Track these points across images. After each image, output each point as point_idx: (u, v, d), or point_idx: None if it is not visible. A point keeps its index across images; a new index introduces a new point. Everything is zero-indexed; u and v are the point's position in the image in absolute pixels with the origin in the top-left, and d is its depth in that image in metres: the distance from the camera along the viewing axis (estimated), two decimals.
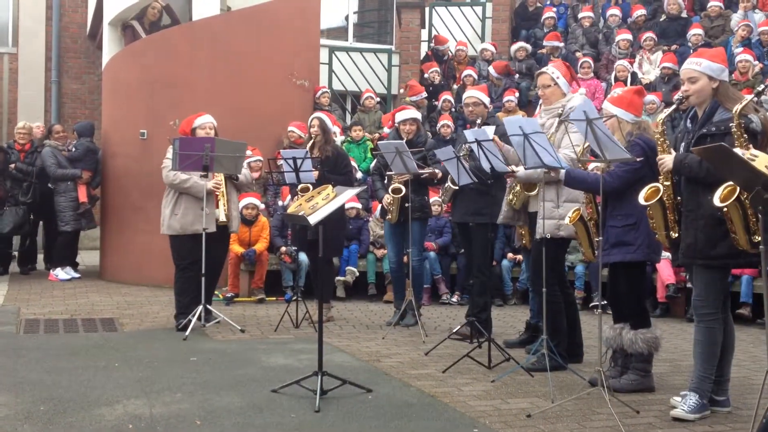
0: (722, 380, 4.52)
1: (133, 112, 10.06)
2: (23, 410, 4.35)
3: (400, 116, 7.45)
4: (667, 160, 4.36)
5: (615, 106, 5.01)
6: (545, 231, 5.38)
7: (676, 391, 4.79)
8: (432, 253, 9.06)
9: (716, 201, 3.95)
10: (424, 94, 11.83)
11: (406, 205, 7.03)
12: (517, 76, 12.55)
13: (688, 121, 4.51)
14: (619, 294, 5.10)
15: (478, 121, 6.49)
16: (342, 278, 9.08)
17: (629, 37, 12.25)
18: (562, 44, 12.79)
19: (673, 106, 4.60)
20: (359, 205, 9.35)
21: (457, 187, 6.67)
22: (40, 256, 11.24)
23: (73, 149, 10.39)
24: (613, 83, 11.26)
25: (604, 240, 4.86)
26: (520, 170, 5.53)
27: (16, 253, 10.91)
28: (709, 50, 4.61)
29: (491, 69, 12.37)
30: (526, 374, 5.36)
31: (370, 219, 9.50)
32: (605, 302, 5.50)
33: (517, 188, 5.86)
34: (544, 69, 5.92)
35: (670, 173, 4.41)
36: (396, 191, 7.15)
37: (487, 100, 6.76)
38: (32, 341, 6.37)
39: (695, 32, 11.56)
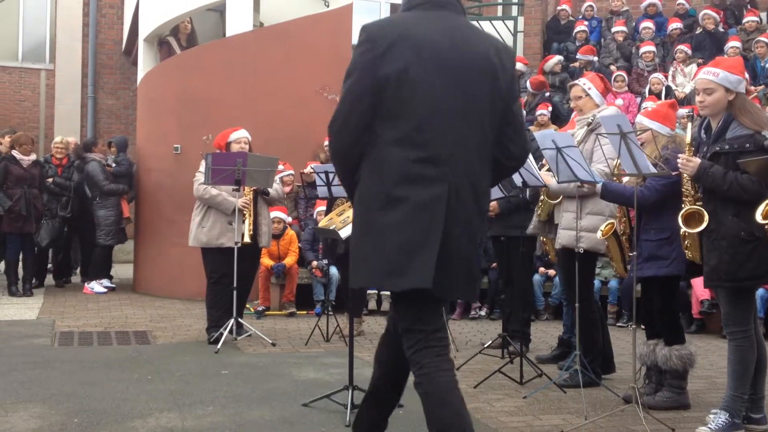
0: (756, 398, 4.43)
1: (167, 127, 10.18)
2: (57, 422, 4.39)
3: None
4: (691, 164, 4.20)
5: (651, 120, 4.97)
6: (565, 242, 5.34)
7: (711, 408, 4.70)
8: None
9: (758, 218, 3.87)
10: None
11: None
12: (548, 93, 12.50)
13: (702, 131, 4.44)
14: (653, 310, 5.03)
15: None
16: (380, 293, 9.13)
17: (653, 49, 12.16)
18: (596, 58, 12.72)
19: (690, 126, 4.48)
20: None
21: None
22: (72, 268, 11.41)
23: (114, 164, 10.54)
24: (646, 96, 11.18)
25: (637, 254, 4.81)
26: (553, 183, 5.49)
27: (51, 266, 11.06)
28: (726, 60, 4.53)
29: (528, 84, 12.32)
30: (558, 390, 5.30)
31: None
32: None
33: (542, 197, 5.82)
34: (576, 81, 5.89)
35: (692, 180, 4.29)
36: None
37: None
38: (66, 353, 6.45)
39: (733, 45, 11.43)
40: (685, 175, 4.31)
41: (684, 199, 4.41)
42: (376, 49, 2.96)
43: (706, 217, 4.20)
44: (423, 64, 2.94)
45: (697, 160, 4.22)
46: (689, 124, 4.41)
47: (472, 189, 3.01)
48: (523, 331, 6.59)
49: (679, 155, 4.33)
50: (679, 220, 4.33)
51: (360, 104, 2.98)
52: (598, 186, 4.90)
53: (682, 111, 9.90)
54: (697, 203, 4.32)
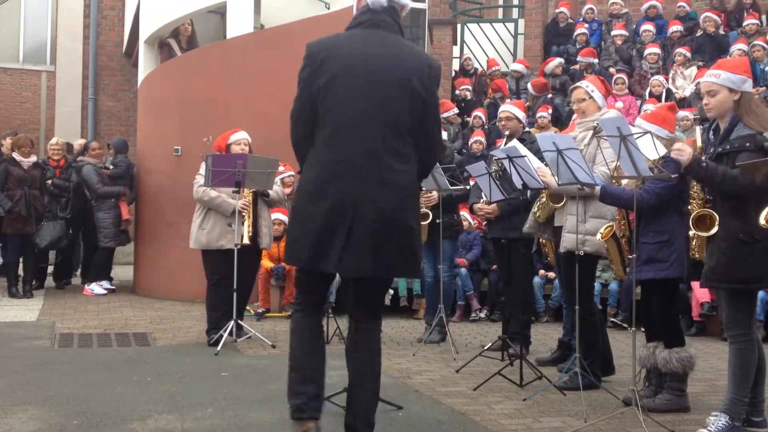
0: (756, 401, 4.42)
1: (167, 128, 10.19)
2: (56, 424, 4.39)
3: None
4: (686, 152, 4.15)
5: (649, 123, 4.96)
6: (570, 246, 5.34)
7: (711, 411, 4.69)
8: (463, 270, 9.03)
9: (762, 221, 3.86)
10: (455, 111, 11.81)
11: (438, 221, 7.04)
12: (549, 95, 12.51)
13: (711, 132, 4.44)
14: (653, 312, 5.03)
15: (506, 133, 6.62)
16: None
17: (657, 51, 12.16)
18: (596, 60, 12.72)
19: (699, 129, 4.48)
20: None
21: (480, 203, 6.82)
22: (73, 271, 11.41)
23: (112, 166, 10.54)
24: (647, 98, 11.18)
25: (637, 256, 4.81)
26: (553, 183, 5.48)
27: (51, 268, 11.06)
28: (729, 61, 4.51)
29: (529, 87, 12.31)
30: (558, 393, 5.30)
31: None
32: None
33: (544, 199, 5.81)
34: (578, 83, 5.88)
35: (685, 170, 4.25)
36: (423, 217, 7.14)
37: (521, 115, 6.74)
38: (66, 355, 6.45)
39: (739, 48, 11.42)
40: (680, 158, 4.27)
41: (692, 201, 4.41)
42: (312, 64, 3.53)
43: (717, 220, 4.19)
44: (346, 75, 3.45)
45: (691, 149, 4.19)
46: (698, 128, 4.41)
47: (380, 186, 3.43)
48: (523, 334, 6.59)
49: (676, 144, 4.31)
50: (690, 222, 4.32)
51: (304, 112, 3.60)
52: (597, 188, 4.90)
53: (682, 114, 9.92)
54: (706, 205, 4.32)
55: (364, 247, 3.44)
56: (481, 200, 6.86)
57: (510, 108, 6.77)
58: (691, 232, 4.37)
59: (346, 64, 3.47)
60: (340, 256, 3.45)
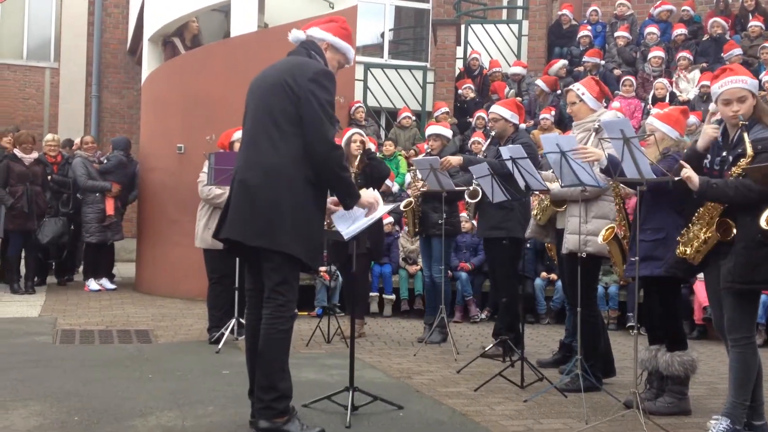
0: (756, 405, 4.42)
1: (170, 126, 10.19)
2: (58, 420, 4.39)
3: (427, 132, 7.58)
4: (693, 178, 4.17)
5: (662, 122, 5.00)
6: (572, 247, 5.34)
7: (712, 414, 4.68)
8: (463, 274, 9.03)
9: (763, 223, 3.86)
10: (445, 109, 11.80)
11: (440, 221, 7.05)
12: (559, 92, 12.49)
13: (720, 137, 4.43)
14: (654, 314, 5.02)
15: (492, 133, 6.71)
16: (381, 296, 9.17)
17: (661, 54, 12.14)
18: (603, 61, 12.71)
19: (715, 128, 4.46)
20: (391, 220, 9.35)
21: (473, 201, 6.83)
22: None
23: (105, 161, 10.52)
24: (650, 101, 11.16)
25: (632, 254, 4.79)
26: (555, 187, 5.49)
27: (54, 264, 11.06)
28: (740, 66, 4.57)
29: (540, 83, 12.25)
30: (559, 395, 5.30)
31: (401, 234, 9.50)
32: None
33: (545, 203, 5.81)
34: (570, 86, 5.90)
35: (697, 195, 4.25)
36: (406, 205, 7.28)
37: (508, 114, 6.61)
38: (68, 352, 6.45)
39: (735, 53, 11.43)
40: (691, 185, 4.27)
41: (709, 204, 4.38)
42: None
43: (734, 231, 4.19)
44: (250, 89, 4.31)
45: (697, 178, 4.16)
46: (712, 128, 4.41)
47: (261, 169, 4.03)
48: (508, 336, 6.45)
49: (683, 171, 4.27)
50: (713, 226, 4.29)
51: None
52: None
53: (692, 119, 9.89)
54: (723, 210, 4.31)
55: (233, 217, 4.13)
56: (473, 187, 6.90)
57: (496, 109, 6.73)
58: (702, 236, 4.31)
59: (254, 81, 4.35)
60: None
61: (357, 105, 11.51)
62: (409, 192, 7.34)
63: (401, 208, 7.42)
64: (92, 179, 10.25)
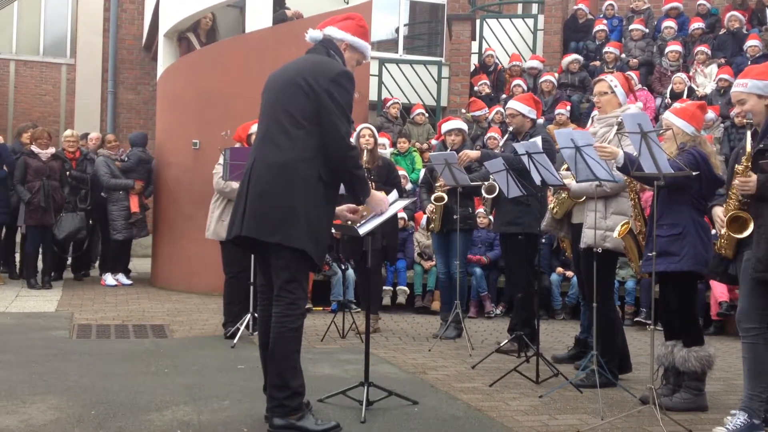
0: None
1: (186, 122, 10.22)
2: (74, 414, 4.42)
3: (445, 127, 7.48)
4: (750, 183, 4.15)
5: (677, 117, 4.97)
6: (590, 242, 5.32)
7: (729, 410, 4.66)
8: (478, 270, 9.01)
9: None
10: (486, 110, 11.74)
11: (455, 217, 7.03)
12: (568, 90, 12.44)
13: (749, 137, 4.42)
14: (671, 310, 5.00)
15: (510, 128, 6.69)
16: (395, 288, 9.15)
17: (679, 48, 12.07)
18: (623, 54, 12.65)
19: (749, 135, 4.43)
20: (405, 216, 9.34)
21: (489, 197, 6.80)
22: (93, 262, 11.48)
23: (126, 159, 10.59)
24: (668, 96, 11.09)
25: (649, 249, 4.77)
26: (572, 184, 5.46)
27: (70, 259, 11.13)
28: (756, 67, 4.52)
29: (540, 82, 12.25)
30: (574, 390, 5.28)
31: (416, 230, 9.49)
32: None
33: (563, 196, 5.78)
34: (602, 76, 5.85)
35: (748, 196, 4.22)
36: (438, 200, 7.23)
37: (526, 110, 6.62)
38: (84, 346, 6.49)
39: (752, 44, 11.34)
40: (745, 192, 4.22)
41: (728, 200, 4.36)
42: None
43: (751, 225, 4.19)
44: (267, 85, 4.31)
45: (755, 178, 4.14)
46: (748, 133, 4.40)
47: (276, 165, 4.02)
48: (523, 331, 6.46)
49: (738, 178, 4.22)
50: (726, 221, 4.29)
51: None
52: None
53: (710, 115, 9.81)
54: (742, 206, 4.28)
55: (248, 213, 4.10)
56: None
57: (513, 104, 6.72)
58: (723, 230, 4.34)
59: (270, 77, 4.35)
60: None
61: (393, 101, 11.66)
62: (438, 186, 7.31)
63: (433, 202, 7.36)
64: (115, 177, 10.33)
